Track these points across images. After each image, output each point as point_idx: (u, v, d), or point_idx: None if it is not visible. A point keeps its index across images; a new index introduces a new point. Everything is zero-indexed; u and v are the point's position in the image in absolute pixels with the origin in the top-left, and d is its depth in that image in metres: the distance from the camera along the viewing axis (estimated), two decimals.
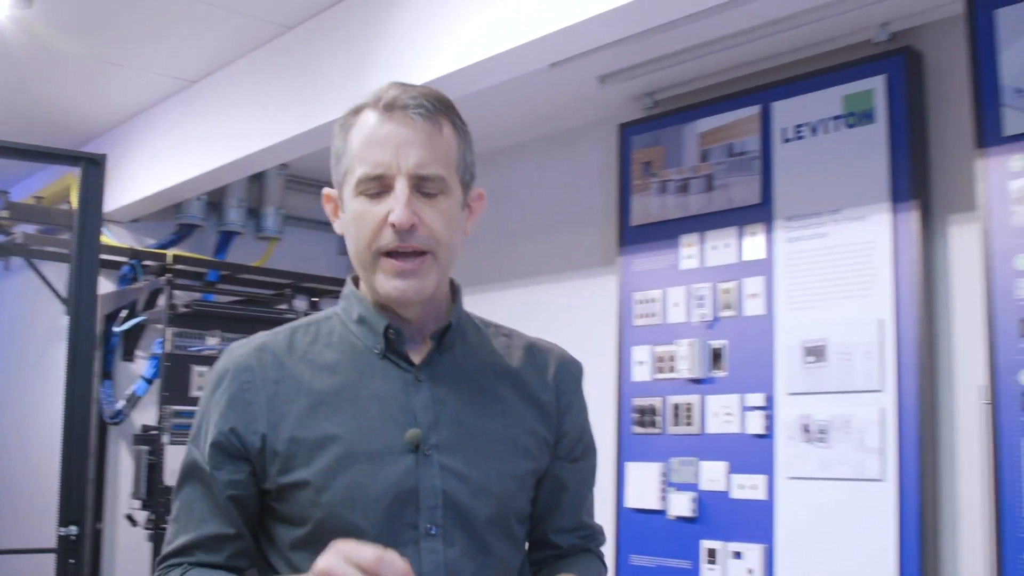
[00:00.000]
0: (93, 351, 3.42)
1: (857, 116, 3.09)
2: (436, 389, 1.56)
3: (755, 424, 3.19)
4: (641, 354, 3.56)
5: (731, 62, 3.43)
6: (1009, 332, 2.59)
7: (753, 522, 3.15)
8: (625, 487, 3.50)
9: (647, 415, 3.48)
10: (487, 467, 1.54)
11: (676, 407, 3.41)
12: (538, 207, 4.27)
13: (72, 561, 3.14)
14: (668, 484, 3.40)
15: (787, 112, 3.27)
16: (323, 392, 1.53)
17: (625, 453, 3.53)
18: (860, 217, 3.05)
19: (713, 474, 3.27)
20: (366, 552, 1.29)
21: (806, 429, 3.06)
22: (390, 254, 1.49)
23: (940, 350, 2.94)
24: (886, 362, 2.93)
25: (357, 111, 1.56)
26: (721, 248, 3.40)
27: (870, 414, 2.92)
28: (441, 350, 1.58)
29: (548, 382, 1.67)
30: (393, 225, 1.47)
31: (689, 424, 3.36)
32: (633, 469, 3.49)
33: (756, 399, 3.21)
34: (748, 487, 3.18)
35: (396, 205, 1.47)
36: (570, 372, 1.71)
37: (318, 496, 1.47)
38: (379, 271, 1.51)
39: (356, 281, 1.63)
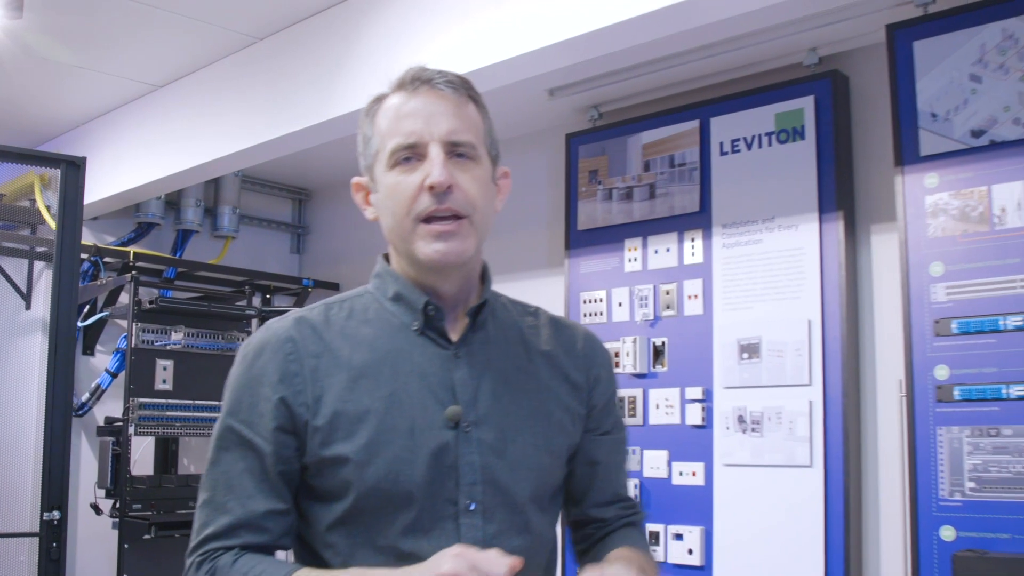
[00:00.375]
0: (74, 345, 3.56)
1: (788, 132, 3.35)
2: (473, 366, 1.55)
3: (694, 416, 3.44)
4: None
5: (672, 79, 3.65)
6: (924, 332, 2.85)
7: (693, 506, 3.39)
8: None
9: None
10: (524, 442, 1.54)
11: (620, 400, 3.65)
12: None
13: (55, 544, 3.30)
14: None
15: (724, 127, 3.52)
16: (363, 366, 1.51)
17: None
18: (791, 226, 3.30)
19: (655, 462, 3.51)
20: (497, 566, 1.27)
21: (741, 420, 3.32)
22: (428, 220, 1.49)
23: (863, 347, 3.20)
24: (814, 358, 3.18)
25: (381, 98, 1.58)
26: (663, 252, 3.64)
27: (800, 406, 3.18)
28: (475, 327, 1.58)
29: (577, 357, 1.67)
30: (431, 187, 1.47)
31: (633, 416, 3.60)
32: None
33: (695, 392, 3.45)
34: (688, 474, 3.43)
35: (432, 167, 1.47)
36: (596, 347, 1.72)
37: (360, 471, 1.45)
38: (418, 238, 1.49)
39: (387, 260, 1.63)
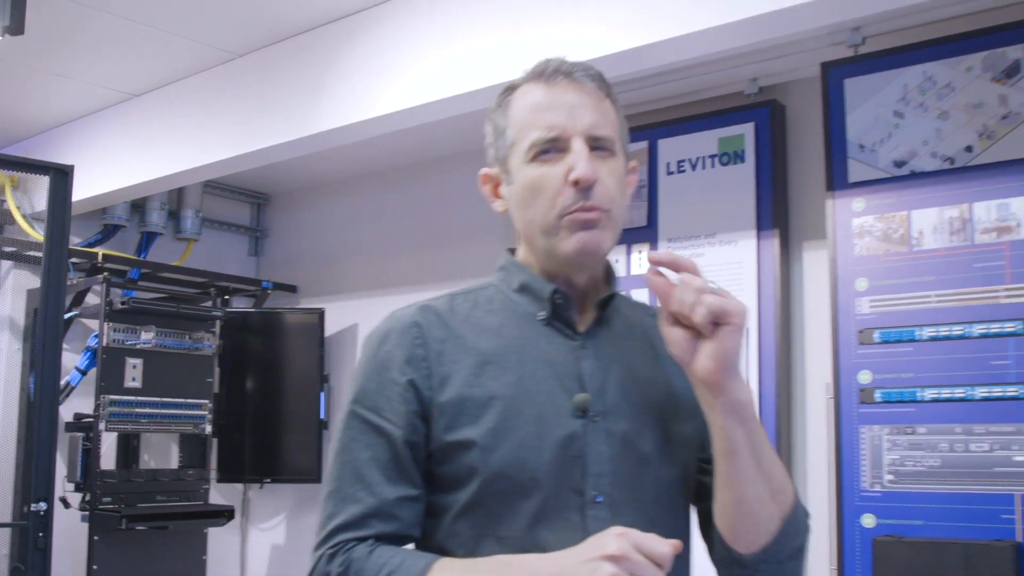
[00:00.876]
0: (60, 344, 3.70)
1: (730, 155, 3.64)
2: (600, 357, 1.50)
3: None
4: None
5: (623, 102, 3.91)
6: (850, 340, 3.14)
7: None
8: None
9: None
10: (652, 435, 1.49)
11: None
12: (448, 218, 4.71)
13: (41, 535, 3.47)
14: None
15: (671, 149, 3.79)
16: (489, 352, 1.47)
17: None
18: (731, 241, 3.59)
19: None
20: (660, 545, 1.24)
21: None
22: (573, 213, 1.44)
23: (794, 353, 3.49)
24: (750, 363, 3.46)
25: (513, 88, 1.55)
26: (612, 263, 3.91)
27: None
28: (602, 320, 1.53)
29: None
30: (576, 182, 1.42)
31: None
32: None
33: None
34: None
35: (578, 162, 1.43)
36: None
37: (486, 456, 1.41)
38: (563, 229, 1.45)
39: (513, 253, 1.61)
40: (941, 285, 3.02)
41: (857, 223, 3.20)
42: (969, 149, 3.02)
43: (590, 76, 1.50)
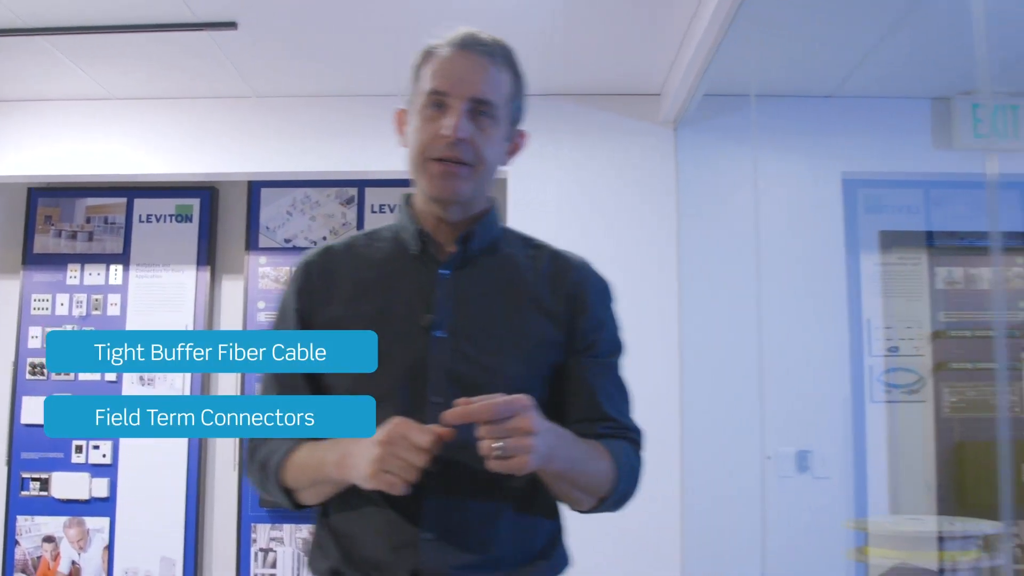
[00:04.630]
0: None
1: (183, 216, 5.76)
2: (458, 285, 1.65)
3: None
4: (35, 332, 5.78)
5: (105, 170, 5.83)
6: None
7: None
8: (21, 412, 5.62)
9: (38, 369, 5.76)
10: (497, 351, 1.60)
11: None
12: None
13: None
14: None
15: (143, 206, 5.78)
16: (364, 282, 1.67)
17: (20, 391, 5.68)
18: (180, 270, 5.65)
19: None
20: (423, 434, 1.41)
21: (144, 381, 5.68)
22: (438, 160, 1.60)
23: None
24: None
25: (436, 47, 1.68)
26: (95, 275, 5.71)
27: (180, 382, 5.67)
28: (467, 255, 1.68)
29: (563, 288, 1.71)
30: (446, 136, 1.58)
31: (68, 374, 5.72)
32: (27, 401, 5.69)
33: None
34: None
35: (450, 120, 1.58)
36: (588, 279, 1.75)
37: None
38: (427, 173, 1.62)
39: (407, 198, 1.76)
40: None
41: (262, 270, 5.57)
42: (314, 242, 5.56)
43: (490, 50, 1.65)
